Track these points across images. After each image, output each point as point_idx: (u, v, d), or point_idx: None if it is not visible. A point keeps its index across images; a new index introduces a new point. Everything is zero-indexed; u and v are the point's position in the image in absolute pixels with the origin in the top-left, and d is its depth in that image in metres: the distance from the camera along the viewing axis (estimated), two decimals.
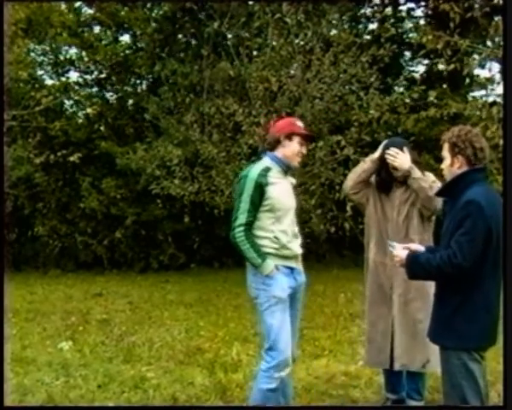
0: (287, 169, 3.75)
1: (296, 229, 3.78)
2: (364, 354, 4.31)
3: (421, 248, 3.25)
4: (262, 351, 3.68)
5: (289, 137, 3.70)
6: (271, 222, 3.62)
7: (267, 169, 3.64)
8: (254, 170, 3.64)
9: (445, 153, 3.07)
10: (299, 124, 3.80)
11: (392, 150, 4.01)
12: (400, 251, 3.15)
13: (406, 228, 4.04)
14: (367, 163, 4.14)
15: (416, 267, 3.04)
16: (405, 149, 4.06)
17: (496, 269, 2.90)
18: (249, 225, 3.59)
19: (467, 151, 2.97)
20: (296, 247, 3.73)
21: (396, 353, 4.03)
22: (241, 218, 3.58)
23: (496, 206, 2.91)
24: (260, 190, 3.57)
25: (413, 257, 3.07)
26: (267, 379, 3.58)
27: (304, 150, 3.80)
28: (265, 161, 3.72)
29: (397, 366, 4.07)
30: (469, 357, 2.90)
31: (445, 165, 3.08)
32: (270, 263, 3.57)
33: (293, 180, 3.90)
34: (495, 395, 3.61)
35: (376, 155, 4.10)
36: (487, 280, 2.89)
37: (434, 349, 3.91)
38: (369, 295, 4.19)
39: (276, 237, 3.61)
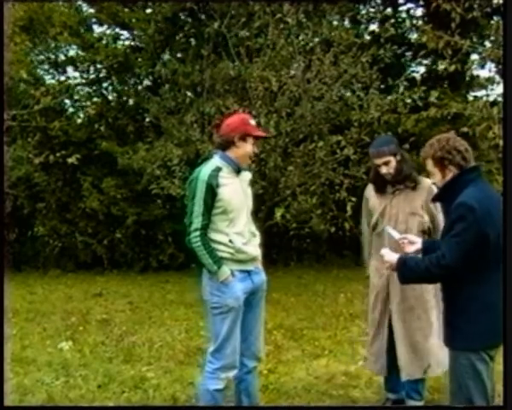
0: (238, 169, 3.63)
1: (253, 227, 3.74)
2: (366, 357, 4.33)
3: (418, 240, 3.28)
4: (207, 353, 3.68)
5: (243, 138, 3.58)
6: (226, 225, 3.55)
7: (218, 169, 3.53)
8: (205, 171, 3.51)
9: (432, 169, 3.05)
10: (253, 122, 3.66)
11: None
12: (390, 256, 3.14)
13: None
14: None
15: (406, 271, 3.04)
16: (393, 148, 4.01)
17: (496, 267, 2.89)
18: (204, 229, 3.50)
19: (456, 158, 2.97)
20: (252, 249, 3.67)
21: (400, 364, 4.03)
22: (196, 222, 3.49)
23: (491, 206, 2.89)
24: (212, 191, 3.47)
25: (403, 261, 3.07)
26: (213, 380, 3.60)
27: (256, 150, 3.72)
28: (216, 161, 3.59)
29: (403, 377, 4.07)
30: (477, 357, 2.90)
31: (436, 179, 3.07)
32: (226, 270, 3.51)
33: (249, 174, 3.81)
34: (495, 395, 3.61)
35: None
36: (489, 279, 2.88)
37: (434, 353, 3.95)
38: (370, 303, 4.20)
39: (230, 241, 3.54)
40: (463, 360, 2.92)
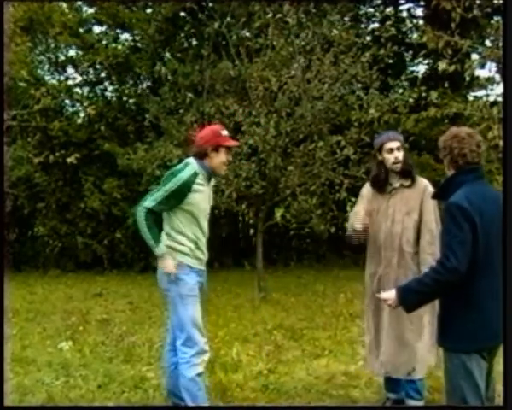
0: (210, 177, 3.94)
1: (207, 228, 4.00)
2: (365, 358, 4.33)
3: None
4: (178, 344, 3.87)
5: (216, 149, 3.84)
6: (190, 223, 3.82)
7: (195, 175, 3.80)
8: (186, 173, 3.77)
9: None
10: (225, 133, 3.91)
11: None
12: (387, 294, 3.13)
13: (400, 239, 3.98)
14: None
15: (411, 297, 3.00)
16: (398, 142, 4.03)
17: (488, 268, 2.88)
18: (153, 213, 3.76)
19: (450, 155, 3.01)
20: (205, 249, 3.96)
21: (381, 359, 4.05)
22: (151, 202, 3.75)
23: (484, 208, 2.88)
24: (184, 194, 3.74)
25: (403, 289, 3.05)
26: (191, 368, 3.81)
27: (230, 158, 4.00)
28: (194, 166, 3.83)
29: (382, 373, 4.11)
30: (468, 357, 2.89)
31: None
32: (162, 248, 3.77)
33: (213, 181, 4.07)
34: (495, 396, 3.61)
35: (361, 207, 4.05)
36: (478, 280, 2.86)
37: (420, 358, 3.95)
38: (366, 305, 4.19)
39: (194, 235, 3.82)
40: (455, 359, 2.93)
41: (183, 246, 3.82)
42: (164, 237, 3.87)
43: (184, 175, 3.75)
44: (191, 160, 3.88)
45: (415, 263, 3.96)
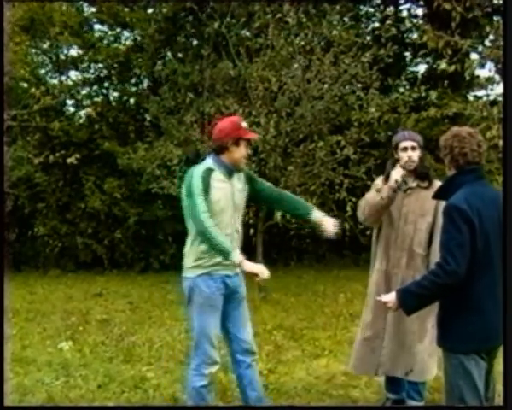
0: (231, 172, 3.67)
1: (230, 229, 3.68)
2: (357, 360, 4.17)
3: None
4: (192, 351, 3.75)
5: (236, 142, 3.61)
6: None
7: (210, 170, 3.57)
8: (198, 170, 3.56)
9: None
10: (244, 125, 3.69)
11: None
12: (388, 297, 3.12)
13: (411, 240, 3.95)
14: (385, 200, 3.87)
15: (410, 300, 3.00)
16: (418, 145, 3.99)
17: (487, 269, 2.88)
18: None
19: (451, 154, 3.00)
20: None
21: (380, 359, 4.02)
22: (202, 206, 3.43)
23: (481, 207, 2.87)
24: (206, 186, 3.49)
25: (403, 292, 3.05)
26: (198, 377, 3.66)
27: (249, 151, 3.78)
28: (208, 163, 3.64)
29: (380, 372, 4.09)
30: (466, 357, 2.90)
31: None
32: (238, 253, 3.44)
33: (242, 176, 3.77)
34: (495, 396, 3.61)
35: (393, 185, 3.85)
36: (477, 281, 2.86)
37: (420, 359, 3.92)
38: (373, 307, 4.05)
39: None
40: (453, 359, 2.93)
41: (200, 251, 3.56)
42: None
43: (199, 171, 3.53)
44: (206, 159, 3.68)
45: (424, 266, 3.91)
